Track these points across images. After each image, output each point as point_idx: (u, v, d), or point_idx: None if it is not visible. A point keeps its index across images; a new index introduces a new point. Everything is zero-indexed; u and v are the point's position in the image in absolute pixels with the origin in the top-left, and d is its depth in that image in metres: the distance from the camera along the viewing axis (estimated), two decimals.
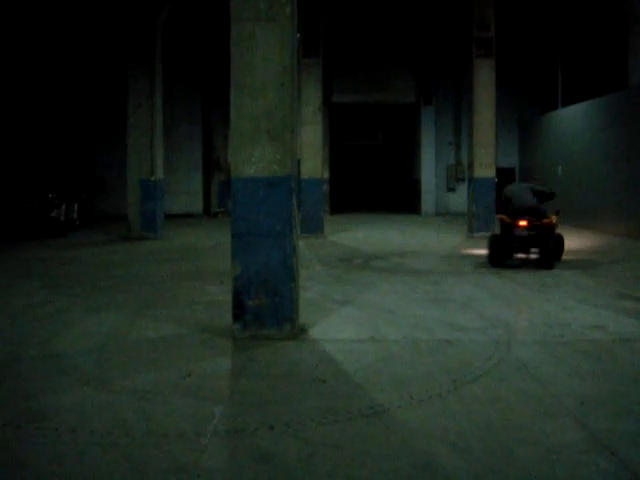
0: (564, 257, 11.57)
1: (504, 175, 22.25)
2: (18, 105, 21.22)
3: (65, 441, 4.02)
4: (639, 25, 15.24)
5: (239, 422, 4.31)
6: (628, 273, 10.54)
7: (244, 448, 3.93)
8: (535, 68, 23.80)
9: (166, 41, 17.08)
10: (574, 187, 19.08)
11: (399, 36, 23.72)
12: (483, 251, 12.29)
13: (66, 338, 6.53)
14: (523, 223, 10.77)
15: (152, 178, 16.10)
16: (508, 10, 19.08)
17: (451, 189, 25.40)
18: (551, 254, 10.83)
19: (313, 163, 17.06)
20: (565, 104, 20.92)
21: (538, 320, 7.23)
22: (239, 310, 6.35)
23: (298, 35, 8.46)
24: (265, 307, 6.33)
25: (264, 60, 6.30)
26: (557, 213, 11.40)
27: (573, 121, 19.70)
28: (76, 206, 17.78)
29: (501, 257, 11.04)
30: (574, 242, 14.61)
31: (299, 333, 6.49)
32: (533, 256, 11.14)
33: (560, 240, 11.31)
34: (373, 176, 31.64)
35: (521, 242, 10.89)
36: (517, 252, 11.08)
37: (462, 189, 23.95)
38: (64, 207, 16.52)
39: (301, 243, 6.78)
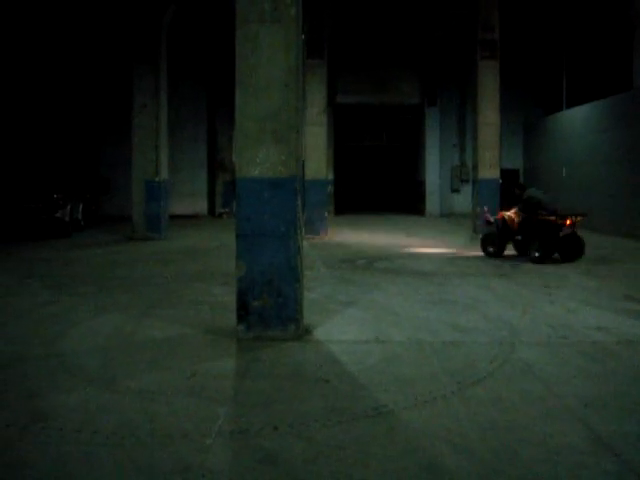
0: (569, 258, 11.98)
1: (508, 176, 22.24)
2: (23, 105, 21.28)
3: (69, 441, 4.04)
4: None
5: (243, 422, 4.32)
6: (632, 274, 10.53)
7: (248, 448, 3.94)
8: (540, 70, 23.78)
9: (171, 41, 17.11)
10: (578, 188, 19.06)
11: (404, 37, 23.71)
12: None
13: (71, 338, 6.54)
14: (569, 222, 11.72)
15: (157, 179, 16.12)
16: (513, 12, 19.07)
17: (455, 190, 25.40)
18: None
19: (317, 164, 17.08)
20: (570, 105, 20.90)
21: (542, 321, 7.22)
22: (243, 311, 6.36)
23: (303, 36, 8.47)
24: (269, 308, 6.33)
25: (269, 61, 6.31)
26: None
27: (578, 122, 19.67)
28: (81, 206, 17.82)
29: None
30: None
31: (303, 334, 6.50)
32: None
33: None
34: (377, 177, 31.64)
35: (563, 240, 11.86)
36: (558, 250, 11.97)
37: (466, 190, 23.97)
38: (69, 207, 16.55)
39: (305, 244, 6.78)
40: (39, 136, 21.88)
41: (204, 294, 8.86)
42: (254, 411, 4.52)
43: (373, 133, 30.31)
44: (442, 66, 24.57)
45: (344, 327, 6.97)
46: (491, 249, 12.55)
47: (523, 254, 12.27)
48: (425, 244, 15.16)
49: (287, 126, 6.32)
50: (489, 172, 16.92)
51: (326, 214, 17.31)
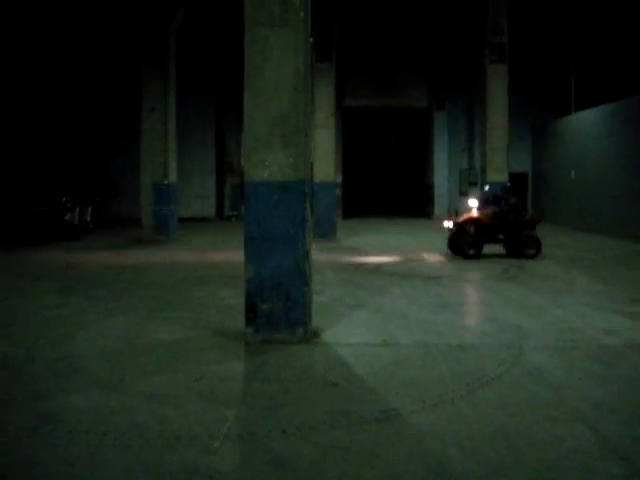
0: (578, 261, 11.93)
1: (517, 180, 22.19)
2: (33, 109, 21.39)
3: (79, 442, 4.05)
4: None
5: (251, 425, 4.33)
6: None
7: (256, 451, 3.94)
8: (548, 73, 23.72)
9: (180, 45, 17.16)
10: (587, 191, 19.01)
11: (412, 41, 23.72)
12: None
13: (79, 340, 6.56)
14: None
15: (165, 182, 16.17)
16: (521, 15, 19.03)
17: (464, 193, 25.35)
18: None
19: (326, 167, 17.09)
20: (578, 109, 20.85)
21: (550, 325, 7.20)
22: (252, 314, 6.36)
23: (311, 40, 8.48)
24: (278, 311, 6.33)
25: (278, 64, 6.31)
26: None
27: (586, 126, 19.63)
28: (90, 209, 17.90)
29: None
30: (586, 246, 14.56)
31: (311, 337, 6.50)
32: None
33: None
34: (385, 180, 31.64)
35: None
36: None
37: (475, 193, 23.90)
38: (78, 210, 16.62)
39: (313, 247, 6.78)
40: (49, 140, 21.99)
41: (212, 297, 8.88)
42: (262, 414, 4.53)
43: (381, 136, 30.35)
44: (450, 70, 24.54)
45: (352, 330, 6.98)
46: (472, 251, 12.73)
47: (512, 253, 12.82)
48: (432, 247, 15.13)
49: (296, 129, 6.32)
50: (497, 175, 16.89)
51: (334, 217, 17.31)
